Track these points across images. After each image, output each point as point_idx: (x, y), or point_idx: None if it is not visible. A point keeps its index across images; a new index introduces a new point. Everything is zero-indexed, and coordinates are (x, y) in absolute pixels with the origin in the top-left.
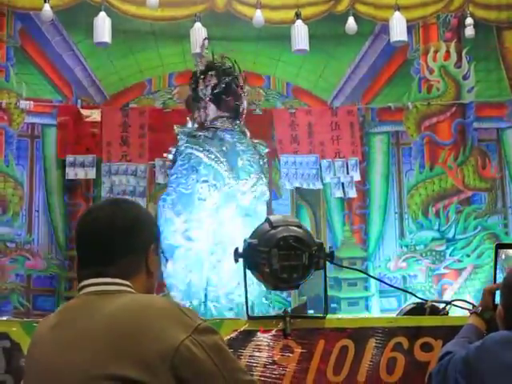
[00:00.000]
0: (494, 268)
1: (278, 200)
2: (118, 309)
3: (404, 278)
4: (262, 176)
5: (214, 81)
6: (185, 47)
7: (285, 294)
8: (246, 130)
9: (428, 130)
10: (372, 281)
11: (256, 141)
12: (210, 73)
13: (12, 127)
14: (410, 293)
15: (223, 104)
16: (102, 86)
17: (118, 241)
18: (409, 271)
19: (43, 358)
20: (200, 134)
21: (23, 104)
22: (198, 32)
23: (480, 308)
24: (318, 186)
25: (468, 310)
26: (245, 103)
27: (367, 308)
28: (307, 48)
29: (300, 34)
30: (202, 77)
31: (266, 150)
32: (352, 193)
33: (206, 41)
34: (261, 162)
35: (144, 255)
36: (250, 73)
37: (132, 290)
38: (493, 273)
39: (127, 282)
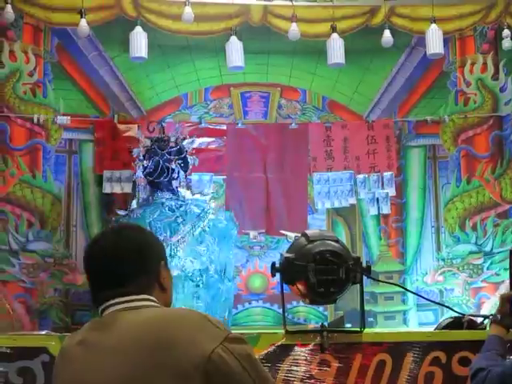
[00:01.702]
0: (510, 274)
1: (313, 215)
2: (148, 321)
3: (441, 291)
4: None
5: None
6: (221, 61)
7: (322, 308)
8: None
9: (465, 143)
10: (409, 294)
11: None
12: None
13: (50, 143)
14: (448, 307)
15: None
16: (139, 100)
17: (131, 263)
18: (446, 285)
19: (74, 375)
20: None
21: (60, 120)
22: (234, 46)
23: (499, 316)
24: (352, 201)
25: (485, 317)
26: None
27: (405, 322)
28: (343, 61)
29: (336, 48)
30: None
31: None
32: (386, 209)
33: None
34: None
35: (155, 274)
36: (285, 86)
37: (157, 304)
38: (509, 279)
39: (152, 297)
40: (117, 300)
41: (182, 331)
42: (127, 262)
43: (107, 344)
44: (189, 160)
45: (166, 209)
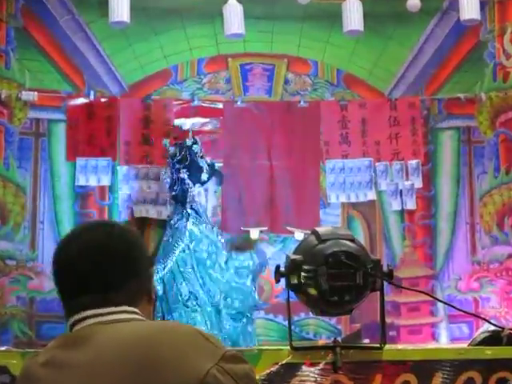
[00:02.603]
0: None
1: (325, 209)
2: (133, 337)
3: (476, 301)
4: None
5: None
6: (217, 27)
7: (334, 321)
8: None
9: (504, 126)
10: (439, 304)
11: None
12: None
13: (13, 123)
14: (484, 319)
15: None
16: (120, 74)
17: (120, 265)
18: (481, 293)
19: None
20: None
21: (26, 95)
22: (233, 9)
23: None
24: (371, 196)
25: None
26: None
27: (433, 337)
28: (361, 28)
29: (353, 12)
30: None
31: None
32: (411, 203)
33: None
34: None
35: (146, 280)
36: (293, 58)
37: (142, 318)
38: None
39: (136, 310)
40: (95, 311)
41: (172, 348)
42: (114, 264)
43: (82, 364)
44: (200, 164)
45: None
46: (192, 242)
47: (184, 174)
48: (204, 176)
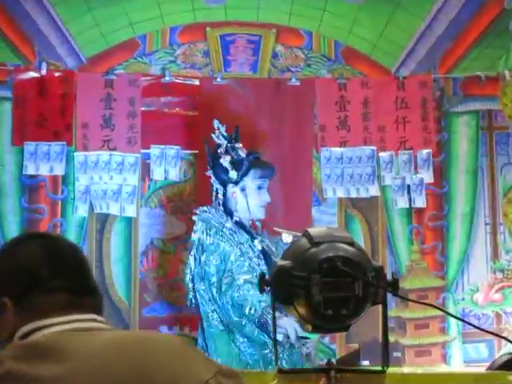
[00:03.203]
0: None
1: (319, 206)
2: (118, 346)
3: (498, 316)
4: None
5: None
6: None
7: (328, 339)
8: None
9: None
10: (452, 320)
11: None
12: None
13: None
14: (506, 338)
15: None
16: (77, 44)
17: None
18: (505, 306)
19: None
20: None
21: None
22: None
23: None
24: (374, 191)
25: None
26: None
27: (445, 359)
28: None
29: None
30: None
31: None
32: (420, 201)
33: None
34: None
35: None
36: (284, 28)
37: (109, 327)
38: None
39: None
40: (62, 318)
41: (163, 358)
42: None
43: (56, 378)
44: (222, 162)
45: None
46: (203, 254)
47: (212, 176)
48: (232, 174)
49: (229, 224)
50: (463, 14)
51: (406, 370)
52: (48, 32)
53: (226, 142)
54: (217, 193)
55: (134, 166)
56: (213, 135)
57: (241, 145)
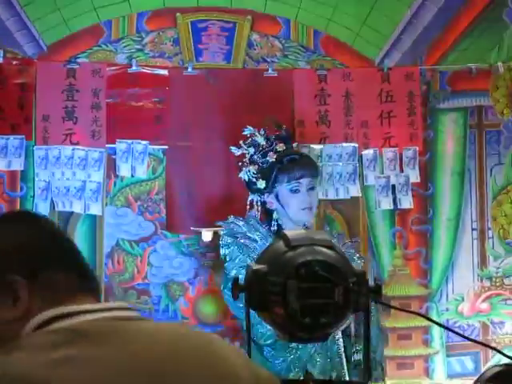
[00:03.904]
0: None
1: None
2: (191, 338)
3: (485, 326)
4: None
5: None
6: None
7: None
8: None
9: None
10: (436, 332)
11: None
12: None
13: None
14: (495, 349)
15: None
16: (37, 30)
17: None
18: (493, 316)
19: None
20: None
21: None
22: None
23: None
24: (354, 192)
25: None
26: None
27: (428, 372)
28: None
29: None
30: None
31: None
32: (407, 202)
33: None
34: None
35: None
36: (259, 15)
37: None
38: None
39: None
40: (98, 306)
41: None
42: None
43: (118, 359)
44: (242, 176)
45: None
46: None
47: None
48: (260, 184)
49: (257, 235)
50: (452, 2)
51: (388, 382)
52: (5, 16)
53: (252, 150)
54: (251, 203)
55: (98, 162)
56: (232, 148)
57: (281, 145)
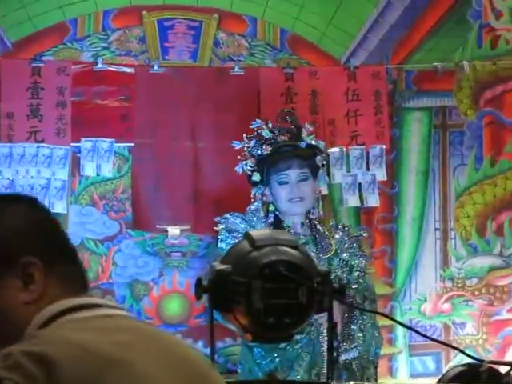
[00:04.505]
0: None
1: None
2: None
3: (447, 327)
4: None
5: None
6: None
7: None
8: None
9: (490, 105)
10: (399, 332)
11: None
12: None
13: None
14: (458, 349)
15: None
16: (1, 27)
17: None
18: (454, 317)
19: None
20: None
21: None
22: None
23: None
24: (322, 190)
25: None
26: None
27: (391, 372)
28: None
29: None
30: None
31: None
32: (373, 200)
33: None
34: None
35: None
36: (226, 13)
37: None
38: None
39: None
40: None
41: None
42: None
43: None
44: (237, 169)
45: None
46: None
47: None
48: (255, 177)
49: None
50: (418, 1)
51: (352, 383)
52: None
53: (253, 143)
54: (255, 197)
55: (63, 160)
56: (234, 142)
57: (284, 138)
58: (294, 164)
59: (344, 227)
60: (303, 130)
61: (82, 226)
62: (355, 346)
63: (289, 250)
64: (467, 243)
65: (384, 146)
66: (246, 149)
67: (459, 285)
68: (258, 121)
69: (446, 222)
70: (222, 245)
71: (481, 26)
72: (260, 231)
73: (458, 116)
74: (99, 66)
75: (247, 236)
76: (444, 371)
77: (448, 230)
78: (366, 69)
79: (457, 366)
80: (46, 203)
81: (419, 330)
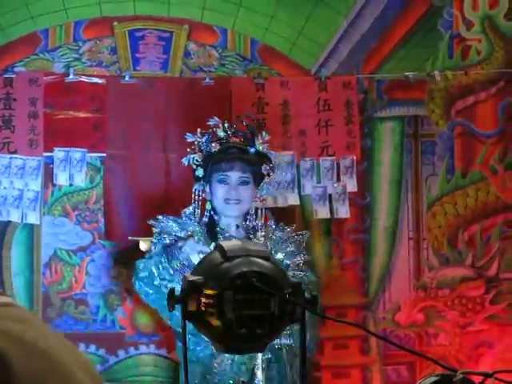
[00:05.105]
0: None
1: None
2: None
3: (420, 337)
4: None
5: None
6: None
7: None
8: None
9: (462, 116)
10: (372, 342)
11: None
12: None
13: None
14: (431, 359)
15: None
16: None
17: None
18: (427, 327)
19: None
20: None
21: None
22: None
23: None
24: (293, 200)
25: (487, 375)
26: None
27: (364, 381)
28: None
29: None
30: None
31: None
32: (343, 211)
33: None
34: None
35: None
36: (196, 24)
37: None
38: None
39: None
40: None
41: None
42: None
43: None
44: (183, 162)
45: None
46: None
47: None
48: (199, 172)
49: (185, 233)
50: (389, 11)
51: None
52: None
53: (204, 139)
54: (195, 193)
55: (36, 170)
56: (188, 135)
57: (236, 140)
58: (236, 166)
59: (283, 228)
60: (259, 136)
61: (55, 236)
62: (291, 334)
63: (260, 260)
64: (439, 253)
65: (355, 157)
66: (196, 143)
67: (432, 295)
68: (216, 118)
69: (418, 231)
70: (153, 247)
71: (452, 36)
72: (231, 242)
73: (429, 126)
74: (71, 76)
75: (219, 247)
76: (418, 381)
77: (420, 240)
78: (336, 79)
79: (429, 376)
80: (19, 214)
81: (393, 339)
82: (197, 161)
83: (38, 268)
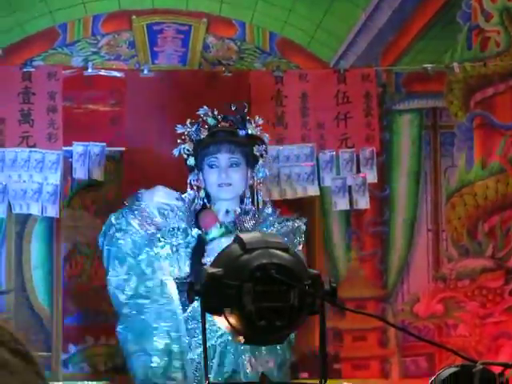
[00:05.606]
0: None
1: None
2: None
3: (439, 328)
4: None
5: None
6: None
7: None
8: None
9: (481, 107)
10: (391, 333)
11: None
12: None
13: None
14: (451, 350)
15: None
16: None
17: None
18: (447, 318)
19: None
20: None
21: None
22: None
23: None
24: (313, 191)
25: (507, 365)
26: None
27: (383, 373)
28: None
29: None
30: None
31: None
32: (364, 202)
33: None
34: None
35: None
36: (215, 17)
37: None
38: None
39: None
40: None
41: None
42: None
43: None
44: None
45: None
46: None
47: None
48: (190, 161)
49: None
50: (407, 4)
51: (345, 383)
52: None
53: (194, 128)
54: (190, 183)
55: (55, 164)
56: (178, 126)
57: (226, 125)
58: (224, 148)
59: (274, 212)
60: (252, 122)
61: (75, 230)
62: None
63: (279, 252)
64: (459, 245)
65: (374, 149)
66: (186, 133)
67: (451, 286)
68: (205, 107)
69: (437, 224)
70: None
71: (470, 27)
72: (250, 234)
73: (448, 117)
74: (89, 70)
75: (238, 239)
76: (437, 372)
77: (439, 232)
78: (355, 71)
79: (449, 367)
80: (38, 207)
81: (412, 331)
82: (188, 150)
83: (57, 261)
